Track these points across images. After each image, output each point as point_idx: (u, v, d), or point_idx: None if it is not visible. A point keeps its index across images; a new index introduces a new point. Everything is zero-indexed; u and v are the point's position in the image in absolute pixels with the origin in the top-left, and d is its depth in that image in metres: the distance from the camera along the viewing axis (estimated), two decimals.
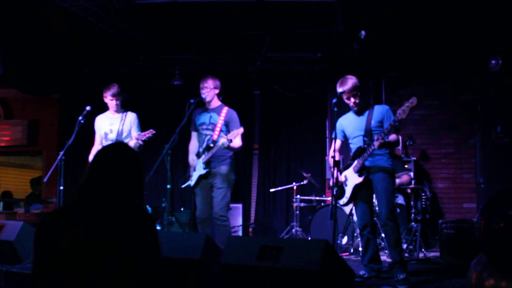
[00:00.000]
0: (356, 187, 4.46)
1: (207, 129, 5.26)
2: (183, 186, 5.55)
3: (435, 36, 7.03)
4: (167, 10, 6.51)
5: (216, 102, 5.31)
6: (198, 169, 5.26)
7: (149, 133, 5.37)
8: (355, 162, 4.43)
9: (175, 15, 6.72)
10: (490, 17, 6.36)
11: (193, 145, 5.43)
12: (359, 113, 4.54)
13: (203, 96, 5.21)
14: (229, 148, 5.05)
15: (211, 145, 5.14)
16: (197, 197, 5.30)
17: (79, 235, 1.87)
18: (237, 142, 5.05)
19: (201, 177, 5.22)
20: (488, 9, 6.18)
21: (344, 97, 4.46)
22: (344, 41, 7.05)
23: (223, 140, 4.93)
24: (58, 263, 1.86)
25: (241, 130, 4.94)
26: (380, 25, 6.72)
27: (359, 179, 4.41)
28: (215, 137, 5.18)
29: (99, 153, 2.14)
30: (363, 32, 6.68)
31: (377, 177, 4.38)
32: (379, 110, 4.47)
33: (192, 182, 5.31)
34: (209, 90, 5.21)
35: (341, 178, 4.52)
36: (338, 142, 4.74)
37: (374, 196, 4.59)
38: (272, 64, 8.01)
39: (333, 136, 4.72)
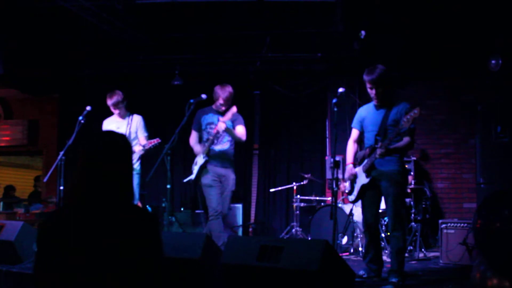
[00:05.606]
0: (363, 188, 4.42)
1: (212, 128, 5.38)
2: (185, 180, 5.72)
3: (435, 36, 7.02)
4: (167, 10, 6.51)
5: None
6: (198, 162, 5.38)
7: (155, 141, 5.43)
8: (365, 161, 4.39)
9: (175, 15, 6.72)
10: (490, 17, 6.36)
11: (194, 139, 5.49)
12: (378, 107, 4.41)
13: (223, 108, 5.29)
14: (231, 134, 5.21)
15: (211, 137, 5.28)
16: (212, 190, 5.30)
17: (80, 236, 1.86)
18: (239, 131, 5.34)
19: (202, 167, 5.31)
20: (488, 9, 6.17)
21: (367, 86, 4.36)
22: (344, 41, 7.04)
23: (221, 125, 5.11)
24: (59, 263, 1.84)
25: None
26: (380, 25, 6.71)
27: (365, 180, 4.37)
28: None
29: (88, 146, 2.00)
30: (363, 32, 6.66)
31: (385, 184, 4.30)
32: (397, 108, 4.32)
33: (193, 176, 5.43)
34: (230, 102, 5.32)
35: (354, 171, 4.48)
36: (355, 132, 4.62)
37: (382, 198, 4.49)
38: (272, 64, 7.99)
39: (352, 124, 4.63)
